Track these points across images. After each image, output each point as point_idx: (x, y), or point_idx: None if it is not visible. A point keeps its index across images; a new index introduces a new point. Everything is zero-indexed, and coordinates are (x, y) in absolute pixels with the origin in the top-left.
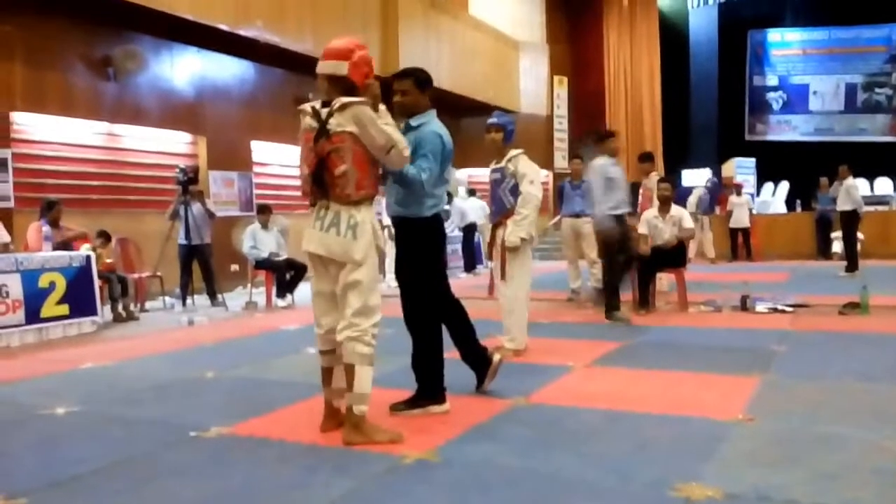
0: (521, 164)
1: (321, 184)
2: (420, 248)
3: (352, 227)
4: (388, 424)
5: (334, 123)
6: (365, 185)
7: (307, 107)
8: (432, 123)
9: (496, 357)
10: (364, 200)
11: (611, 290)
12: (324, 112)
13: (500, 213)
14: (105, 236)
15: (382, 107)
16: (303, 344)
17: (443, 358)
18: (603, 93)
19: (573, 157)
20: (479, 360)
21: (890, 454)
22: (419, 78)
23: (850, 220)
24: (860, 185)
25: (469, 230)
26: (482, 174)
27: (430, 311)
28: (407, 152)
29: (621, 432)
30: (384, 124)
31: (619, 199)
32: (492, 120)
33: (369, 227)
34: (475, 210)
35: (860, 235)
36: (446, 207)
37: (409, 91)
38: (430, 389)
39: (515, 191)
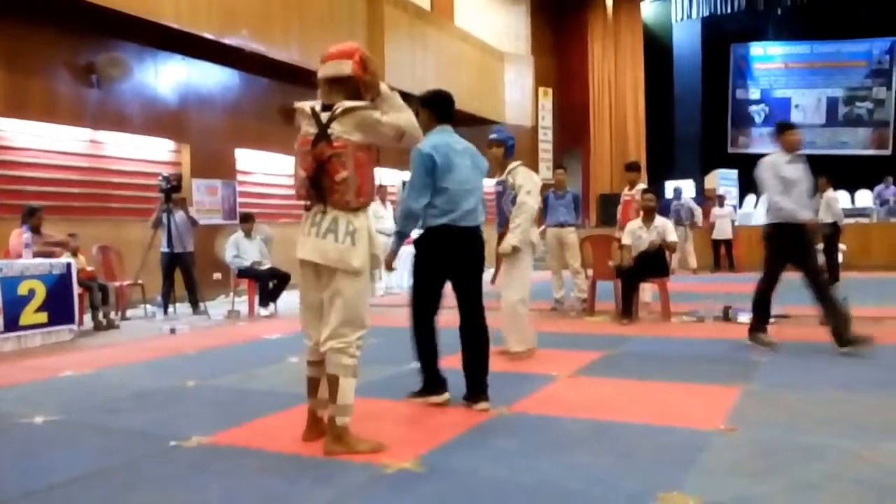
0: (520, 175)
1: (319, 188)
2: (418, 254)
3: (350, 234)
4: (371, 434)
5: (337, 129)
6: (365, 192)
7: (306, 107)
8: (422, 143)
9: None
10: (362, 207)
11: (835, 316)
12: (324, 116)
13: (505, 223)
14: (73, 236)
15: (384, 87)
16: (285, 353)
17: (430, 355)
18: (587, 104)
19: (557, 167)
20: (478, 379)
21: (871, 464)
22: (420, 98)
23: (831, 233)
24: (840, 198)
25: None
26: None
27: (418, 314)
28: (417, 130)
29: (604, 442)
30: (386, 116)
31: (795, 204)
32: (492, 136)
33: (366, 235)
34: None
35: (842, 247)
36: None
37: (418, 112)
38: (427, 383)
39: (516, 201)
